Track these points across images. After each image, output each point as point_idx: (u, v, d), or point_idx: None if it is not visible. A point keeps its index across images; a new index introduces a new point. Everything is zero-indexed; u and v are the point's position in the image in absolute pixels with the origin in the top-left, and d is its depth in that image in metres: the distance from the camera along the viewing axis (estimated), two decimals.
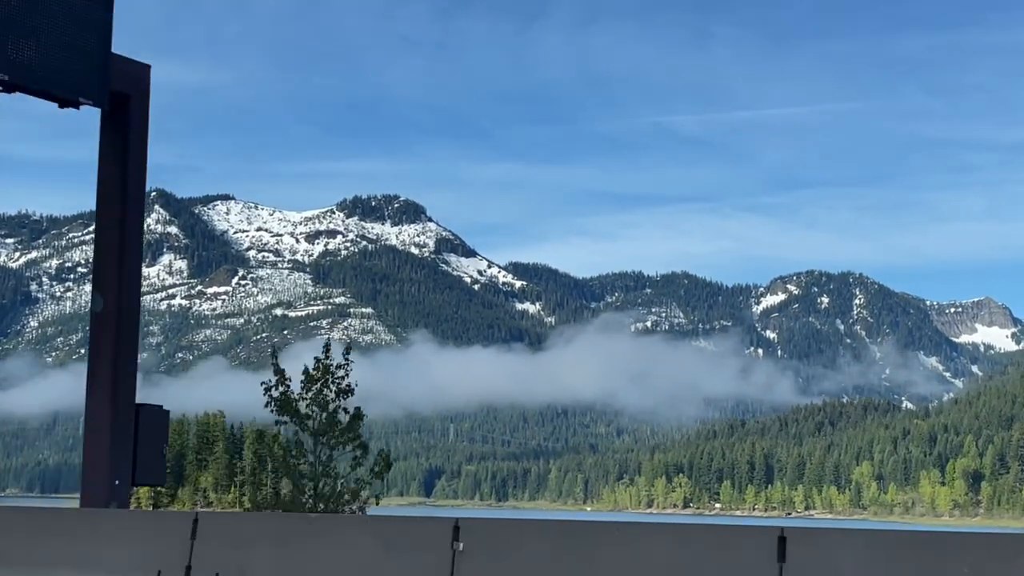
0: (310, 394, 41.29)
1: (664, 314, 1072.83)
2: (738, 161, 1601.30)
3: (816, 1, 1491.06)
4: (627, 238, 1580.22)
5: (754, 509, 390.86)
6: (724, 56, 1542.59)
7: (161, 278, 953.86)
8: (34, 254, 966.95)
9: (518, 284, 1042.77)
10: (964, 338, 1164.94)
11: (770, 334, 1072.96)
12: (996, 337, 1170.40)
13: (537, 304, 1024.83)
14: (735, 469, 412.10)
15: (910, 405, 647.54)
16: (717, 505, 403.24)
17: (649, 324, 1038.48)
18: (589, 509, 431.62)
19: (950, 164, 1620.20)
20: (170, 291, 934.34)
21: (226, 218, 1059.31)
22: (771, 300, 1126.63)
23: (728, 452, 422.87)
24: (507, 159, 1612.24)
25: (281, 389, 41.08)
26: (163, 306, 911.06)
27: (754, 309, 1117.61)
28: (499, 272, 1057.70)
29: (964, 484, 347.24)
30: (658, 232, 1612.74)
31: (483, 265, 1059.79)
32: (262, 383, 41.63)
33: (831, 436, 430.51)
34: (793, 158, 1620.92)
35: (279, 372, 41.40)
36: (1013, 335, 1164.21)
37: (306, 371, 41.74)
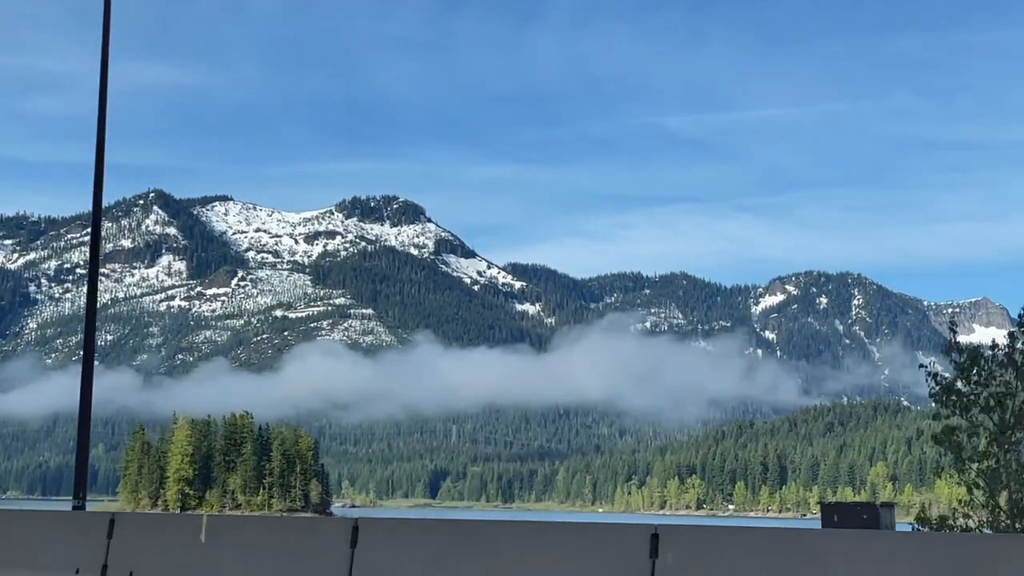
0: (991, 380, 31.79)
1: (663, 315, 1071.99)
2: (732, 162, 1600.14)
3: (810, 2, 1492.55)
4: (622, 239, 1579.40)
5: (768, 511, 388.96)
6: (717, 57, 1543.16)
7: (160, 279, 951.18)
8: (32, 255, 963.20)
9: (518, 285, 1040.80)
10: (961, 338, 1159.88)
11: (769, 335, 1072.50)
12: (994, 337, 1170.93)
13: (537, 305, 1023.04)
14: (748, 470, 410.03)
15: (911, 405, 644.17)
16: (730, 506, 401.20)
17: (649, 325, 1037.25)
18: (601, 511, 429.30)
19: (942, 164, 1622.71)
20: (169, 292, 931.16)
21: (224, 219, 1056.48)
22: (770, 300, 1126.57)
23: (740, 453, 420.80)
24: (501, 160, 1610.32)
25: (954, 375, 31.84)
26: (162, 307, 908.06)
27: (753, 309, 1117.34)
28: (499, 273, 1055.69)
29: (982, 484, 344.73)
30: (653, 233, 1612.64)
31: (482, 266, 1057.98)
32: (920, 365, 33.57)
33: (843, 437, 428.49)
34: (786, 159, 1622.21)
35: (960, 349, 32.64)
36: (1011, 335, 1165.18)
37: (974, 353, 33.16)
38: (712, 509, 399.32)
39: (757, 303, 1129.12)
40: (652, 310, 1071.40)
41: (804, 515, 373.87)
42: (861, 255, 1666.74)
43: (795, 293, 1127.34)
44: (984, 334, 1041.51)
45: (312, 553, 17.00)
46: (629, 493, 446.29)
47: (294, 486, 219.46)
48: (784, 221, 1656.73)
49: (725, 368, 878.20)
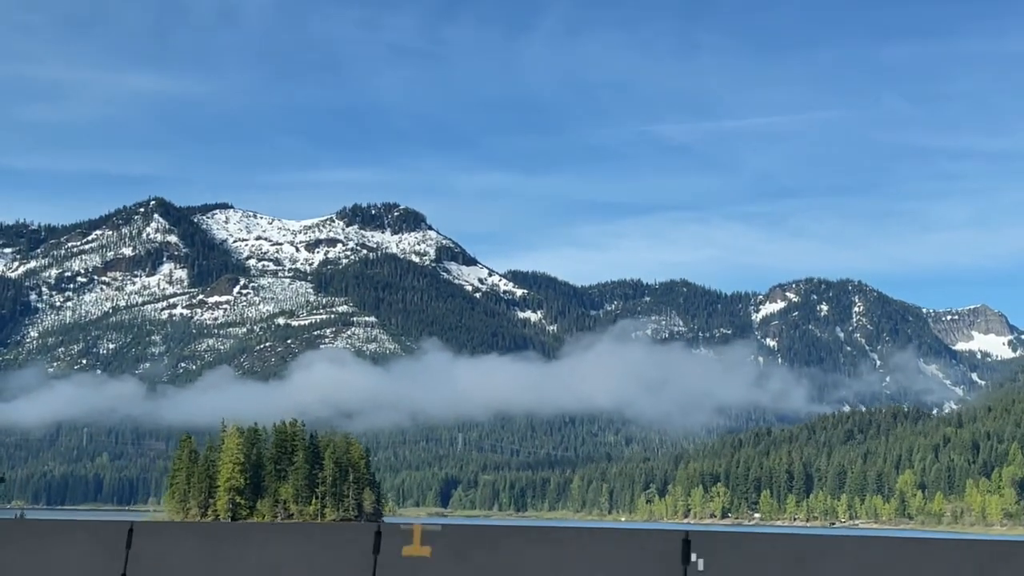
0: None
1: (665, 322, 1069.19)
2: (724, 170, 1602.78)
3: (801, 11, 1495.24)
4: (616, 247, 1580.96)
5: (795, 520, 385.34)
6: (710, 65, 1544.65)
7: (161, 287, 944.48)
8: (32, 264, 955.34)
9: (519, 292, 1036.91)
10: (960, 345, 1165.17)
11: (771, 342, 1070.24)
12: (993, 344, 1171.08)
13: (539, 312, 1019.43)
14: (773, 478, 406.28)
15: (931, 412, 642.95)
16: (756, 515, 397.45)
17: (650, 332, 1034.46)
18: (624, 519, 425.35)
19: (935, 172, 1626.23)
20: (171, 300, 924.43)
21: (225, 227, 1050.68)
22: (771, 308, 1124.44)
23: (764, 461, 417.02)
24: (495, 168, 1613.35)
25: None
26: (164, 316, 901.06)
27: (754, 317, 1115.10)
28: (500, 280, 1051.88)
29: (1013, 492, 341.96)
30: (647, 241, 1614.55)
31: (483, 273, 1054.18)
32: None
33: (865, 444, 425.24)
34: (778, 166, 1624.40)
35: None
36: (1010, 342, 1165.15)
37: None
38: (737, 518, 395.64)
39: (758, 310, 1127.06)
40: (653, 318, 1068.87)
41: (833, 523, 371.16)
42: (857, 263, 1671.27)
43: (795, 300, 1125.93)
44: (983, 341, 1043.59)
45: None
46: (649, 502, 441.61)
47: (347, 495, 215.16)
48: (778, 229, 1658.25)
49: (729, 375, 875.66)
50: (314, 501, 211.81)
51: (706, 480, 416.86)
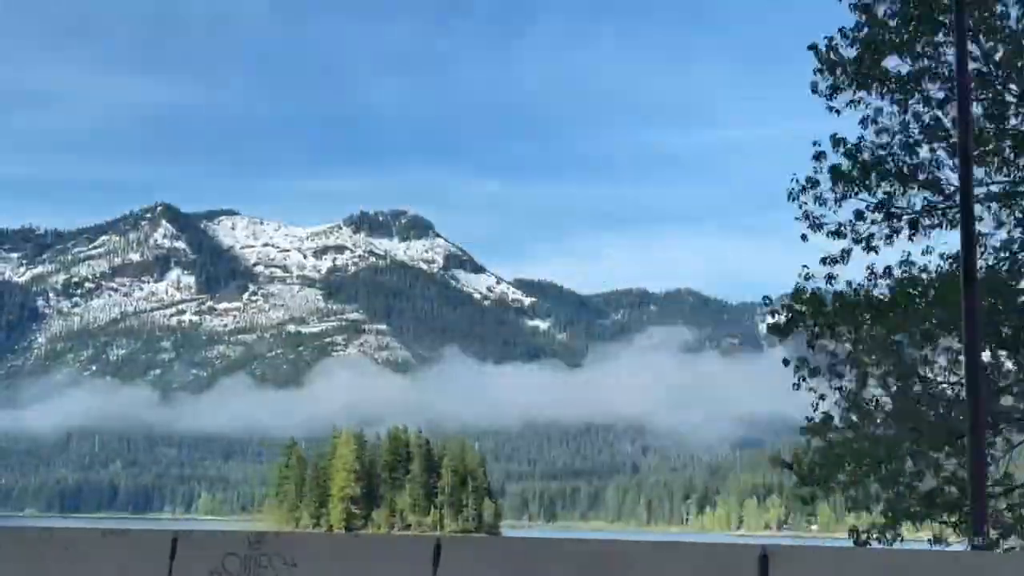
0: None
1: (673, 332, 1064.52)
2: (720, 180, 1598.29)
3: (796, 20, 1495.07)
4: (617, 256, 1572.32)
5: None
6: (707, 74, 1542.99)
7: (170, 294, 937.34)
8: (39, 269, 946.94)
9: (527, 301, 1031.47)
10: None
11: (780, 352, 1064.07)
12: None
13: (547, 321, 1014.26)
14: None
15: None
16: (813, 527, 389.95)
17: (659, 341, 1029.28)
18: (675, 531, 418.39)
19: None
20: (179, 307, 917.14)
21: (232, 233, 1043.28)
22: (778, 317, 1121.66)
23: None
24: (490, 177, 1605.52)
25: None
26: (173, 322, 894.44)
27: (760, 327, 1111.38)
28: (508, 288, 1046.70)
29: None
30: (647, 250, 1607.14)
31: (491, 281, 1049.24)
32: None
33: None
34: (775, 177, 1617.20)
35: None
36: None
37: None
38: (795, 530, 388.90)
39: (763, 320, 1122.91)
40: (662, 327, 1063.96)
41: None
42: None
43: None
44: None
45: None
46: (701, 513, 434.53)
47: (466, 505, 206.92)
48: (777, 238, 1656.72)
49: (745, 385, 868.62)
50: (433, 511, 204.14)
51: (758, 491, 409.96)
